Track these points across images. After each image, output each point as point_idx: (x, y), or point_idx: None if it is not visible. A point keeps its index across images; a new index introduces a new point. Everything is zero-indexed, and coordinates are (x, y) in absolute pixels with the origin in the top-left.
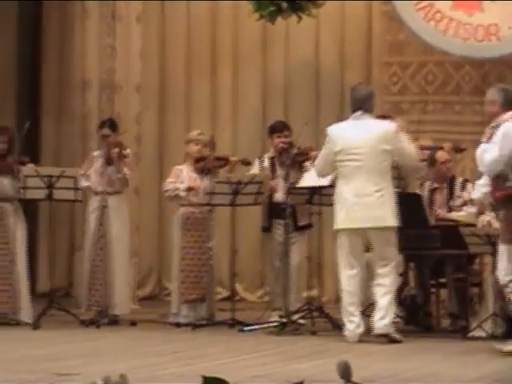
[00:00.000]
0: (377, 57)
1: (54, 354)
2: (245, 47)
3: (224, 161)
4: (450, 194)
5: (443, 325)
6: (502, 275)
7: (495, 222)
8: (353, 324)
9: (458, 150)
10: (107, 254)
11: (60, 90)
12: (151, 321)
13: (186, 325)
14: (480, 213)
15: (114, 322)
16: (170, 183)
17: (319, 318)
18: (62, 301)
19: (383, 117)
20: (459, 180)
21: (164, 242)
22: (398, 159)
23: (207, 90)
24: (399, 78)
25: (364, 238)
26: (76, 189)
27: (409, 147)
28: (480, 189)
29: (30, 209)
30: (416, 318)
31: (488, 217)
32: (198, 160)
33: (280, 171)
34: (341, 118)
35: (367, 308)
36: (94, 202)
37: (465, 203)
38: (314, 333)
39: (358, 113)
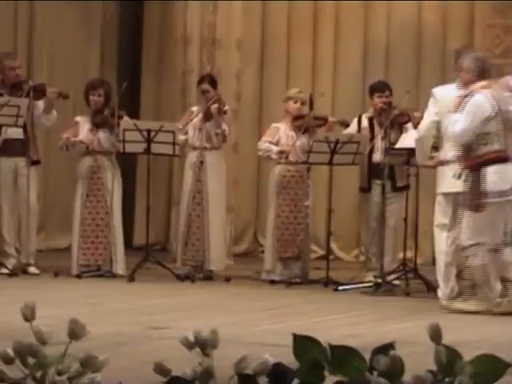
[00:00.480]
0: (479, 19)
1: (149, 307)
2: (346, 6)
3: (322, 120)
4: None
5: None
6: (466, 239)
7: None
8: (447, 286)
9: None
10: (204, 209)
11: (161, 45)
12: (245, 277)
13: (280, 282)
14: None
15: (209, 277)
16: (264, 142)
17: (414, 280)
18: (157, 255)
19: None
20: None
21: (261, 198)
22: None
23: (308, 49)
24: (502, 40)
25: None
26: (174, 143)
27: None
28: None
29: (128, 163)
30: None
31: None
32: (296, 118)
33: (379, 131)
34: (442, 80)
35: (461, 271)
36: (191, 157)
37: None
38: (407, 294)
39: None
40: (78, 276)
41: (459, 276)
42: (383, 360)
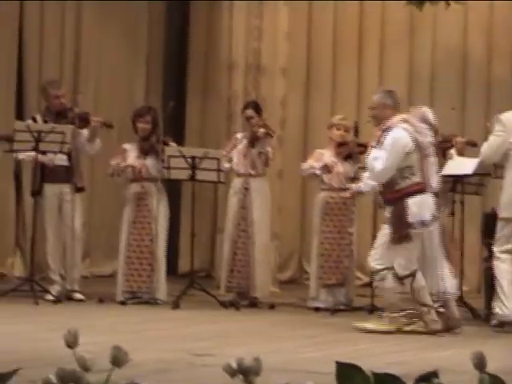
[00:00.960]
0: None
1: (192, 334)
2: (391, 33)
3: (365, 147)
4: None
5: None
6: (377, 263)
7: None
8: (503, 311)
9: None
10: (248, 236)
11: (206, 70)
12: (290, 304)
13: (325, 309)
14: None
15: (253, 304)
16: (307, 163)
17: (459, 307)
18: (202, 281)
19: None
20: None
21: (306, 225)
22: None
23: (353, 75)
24: None
25: None
26: (219, 170)
27: None
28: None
29: (173, 189)
30: None
31: None
32: (339, 145)
33: None
34: (487, 106)
35: None
36: (236, 184)
37: None
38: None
39: None
40: (123, 302)
41: None
42: None
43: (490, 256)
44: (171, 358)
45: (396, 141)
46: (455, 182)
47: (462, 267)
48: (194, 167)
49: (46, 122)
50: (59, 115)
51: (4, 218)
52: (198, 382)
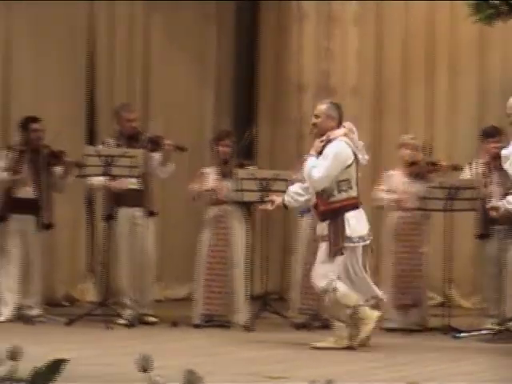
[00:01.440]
0: None
1: (266, 356)
2: (461, 51)
3: (435, 165)
4: None
5: None
6: (321, 281)
7: None
8: None
9: None
10: None
11: (275, 92)
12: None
13: (398, 330)
14: None
15: (326, 325)
16: (378, 192)
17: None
18: (275, 303)
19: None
20: None
21: (377, 245)
22: None
23: (423, 94)
24: None
25: None
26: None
27: None
28: (297, 197)
29: (247, 211)
30: None
31: None
32: (409, 164)
33: (495, 176)
34: None
35: None
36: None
37: None
38: None
39: None
40: (197, 326)
41: None
42: None
43: None
44: (245, 381)
45: (339, 152)
46: None
47: None
48: (264, 189)
49: (119, 145)
50: (131, 139)
51: (75, 244)
52: None
